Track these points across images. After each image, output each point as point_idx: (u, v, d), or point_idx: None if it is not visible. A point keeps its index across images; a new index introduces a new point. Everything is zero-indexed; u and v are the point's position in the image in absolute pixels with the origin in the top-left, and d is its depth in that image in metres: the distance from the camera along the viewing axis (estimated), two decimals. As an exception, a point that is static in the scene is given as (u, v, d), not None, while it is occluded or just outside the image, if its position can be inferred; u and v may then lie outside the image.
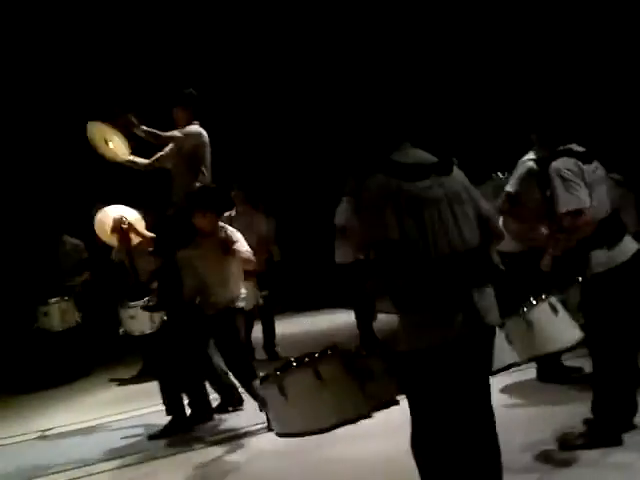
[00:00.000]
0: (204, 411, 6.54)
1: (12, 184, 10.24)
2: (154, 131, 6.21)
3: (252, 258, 6.30)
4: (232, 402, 6.68)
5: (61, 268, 7.60)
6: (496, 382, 6.23)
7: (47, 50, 10.98)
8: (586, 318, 5.05)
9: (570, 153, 4.85)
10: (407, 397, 3.75)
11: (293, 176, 10.90)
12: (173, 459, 5.86)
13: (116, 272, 6.82)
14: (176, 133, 6.30)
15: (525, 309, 5.28)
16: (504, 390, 6.34)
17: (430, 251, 3.41)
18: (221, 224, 6.28)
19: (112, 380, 8.14)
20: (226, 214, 8.28)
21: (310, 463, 5.37)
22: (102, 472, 5.76)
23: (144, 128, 6.16)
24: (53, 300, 7.84)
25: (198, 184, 6.32)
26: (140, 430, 6.62)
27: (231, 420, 6.56)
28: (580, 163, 4.78)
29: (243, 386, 6.39)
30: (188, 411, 6.51)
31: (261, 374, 6.04)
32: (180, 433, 6.33)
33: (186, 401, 6.50)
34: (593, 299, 4.90)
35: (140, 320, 7.55)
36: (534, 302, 5.37)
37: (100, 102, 6.54)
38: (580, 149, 4.90)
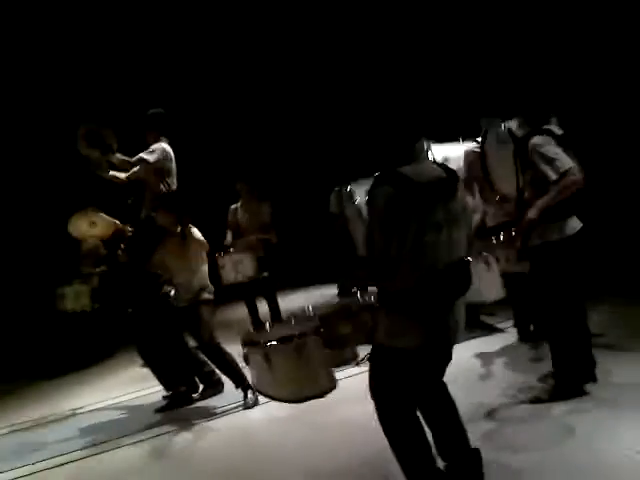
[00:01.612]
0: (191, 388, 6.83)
1: (41, 184, 10.38)
2: (126, 158, 6.89)
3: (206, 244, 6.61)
4: (214, 386, 6.87)
5: (82, 261, 7.79)
6: (476, 344, 6.53)
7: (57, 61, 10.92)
8: (538, 282, 5.19)
9: (549, 132, 4.97)
10: (374, 379, 3.87)
11: (290, 170, 10.91)
12: (183, 431, 6.07)
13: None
14: (143, 156, 6.85)
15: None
16: (483, 351, 6.55)
17: (424, 265, 3.57)
18: (191, 228, 6.55)
19: (133, 361, 8.32)
20: (232, 206, 8.55)
21: (308, 427, 5.53)
22: (124, 446, 5.96)
23: (118, 156, 6.83)
24: (68, 284, 8.00)
25: (163, 190, 6.82)
26: (152, 406, 6.85)
27: (218, 399, 6.71)
28: (557, 142, 4.91)
29: (219, 368, 6.64)
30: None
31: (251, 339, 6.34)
32: (180, 407, 6.64)
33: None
34: (544, 263, 5.03)
35: None
36: (469, 259, 5.61)
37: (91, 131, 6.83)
38: (558, 131, 5.02)
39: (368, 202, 3.71)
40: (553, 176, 4.75)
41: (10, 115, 10.65)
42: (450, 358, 3.95)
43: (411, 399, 3.85)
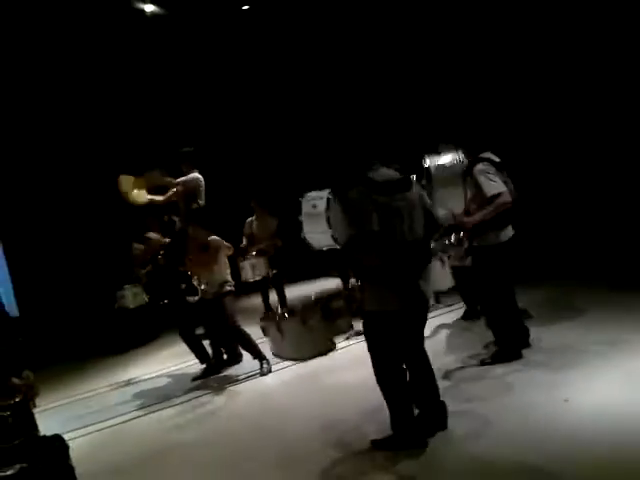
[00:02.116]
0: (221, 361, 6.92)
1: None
2: (170, 180, 7.11)
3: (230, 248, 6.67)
4: (236, 358, 6.96)
5: (133, 265, 7.88)
6: (435, 321, 6.61)
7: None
8: (478, 274, 5.29)
9: (489, 161, 5.07)
10: (367, 341, 4.04)
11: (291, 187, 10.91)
12: (214, 394, 6.14)
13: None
14: (180, 180, 7.08)
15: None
16: (441, 326, 6.60)
17: (395, 239, 3.75)
18: (213, 237, 6.58)
19: (173, 342, 8.36)
20: (248, 220, 8.66)
21: (313, 389, 5.63)
22: (169, 407, 6.03)
23: (167, 179, 7.09)
24: (127, 286, 8.05)
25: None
26: (191, 375, 6.89)
27: (239, 368, 6.75)
28: (495, 169, 5.02)
29: (240, 345, 6.72)
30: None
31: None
32: (211, 375, 6.72)
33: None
34: (483, 261, 5.15)
35: None
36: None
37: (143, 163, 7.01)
38: (496, 159, 5.13)
39: (343, 199, 3.96)
40: (488, 195, 4.89)
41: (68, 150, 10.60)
42: (425, 319, 4.09)
43: (398, 355, 3.97)
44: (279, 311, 7.24)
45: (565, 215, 8.29)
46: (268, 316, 7.36)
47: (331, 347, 6.07)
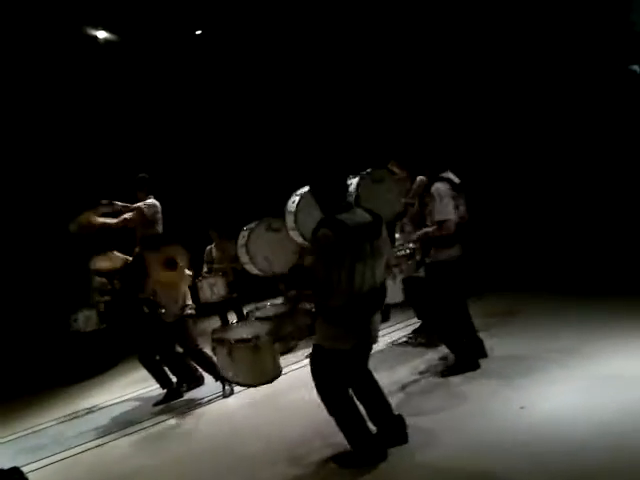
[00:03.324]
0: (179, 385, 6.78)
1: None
2: (127, 205, 7.00)
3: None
4: (197, 381, 6.87)
5: (88, 291, 7.75)
6: (390, 337, 6.61)
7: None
8: (430, 289, 5.42)
9: (449, 181, 5.19)
10: (316, 374, 4.02)
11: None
12: (178, 417, 6.08)
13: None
14: (141, 205, 6.99)
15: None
16: (395, 341, 6.67)
17: (354, 289, 3.77)
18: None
19: (133, 368, 8.20)
20: (208, 248, 8.69)
21: (277, 407, 5.62)
22: (131, 433, 5.93)
23: (120, 205, 6.95)
24: (80, 309, 7.92)
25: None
26: (152, 401, 6.77)
27: (201, 391, 6.68)
28: (453, 190, 5.15)
29: (201, 367, 6.66)
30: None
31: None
32: (174, 400, 6.61)
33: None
34: (435, 277, 5.28)
35: None
36: None
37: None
38: (456, 180, 5.25)
39: (313, 240, 3.88)
40: (435, 220, 5.07)
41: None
42: (370, 352, 4.14)
43: (344, 384, 4.01)
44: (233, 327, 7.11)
45: (515, 227, 8.49)
46: (219, 333, 7.25)
47: (277, 374, 5.98)
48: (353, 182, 5.33)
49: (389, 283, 6.27)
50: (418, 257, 5.49)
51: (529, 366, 4.92)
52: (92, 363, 9.06)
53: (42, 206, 10.31)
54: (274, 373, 6.12)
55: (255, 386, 5.70)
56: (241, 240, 5.98)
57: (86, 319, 7.68)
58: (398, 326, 7.22)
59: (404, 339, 6.73)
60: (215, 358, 6.12)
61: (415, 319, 6.93)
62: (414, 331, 6.75)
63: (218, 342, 6.34)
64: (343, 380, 4.01)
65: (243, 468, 4.47)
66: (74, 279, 8.58)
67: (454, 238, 5.15)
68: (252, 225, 5.96)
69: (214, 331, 6.61)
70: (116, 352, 9.10)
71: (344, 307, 3.78)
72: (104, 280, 7.20)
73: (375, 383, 4.17)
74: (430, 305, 5.66)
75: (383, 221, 4.01)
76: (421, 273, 5.59)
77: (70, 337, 8.57)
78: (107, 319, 7.21)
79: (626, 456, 3.33)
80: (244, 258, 5.90)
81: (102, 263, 7.00)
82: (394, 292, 6.25)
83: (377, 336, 4.07)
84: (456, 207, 5.15)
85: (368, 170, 5.47)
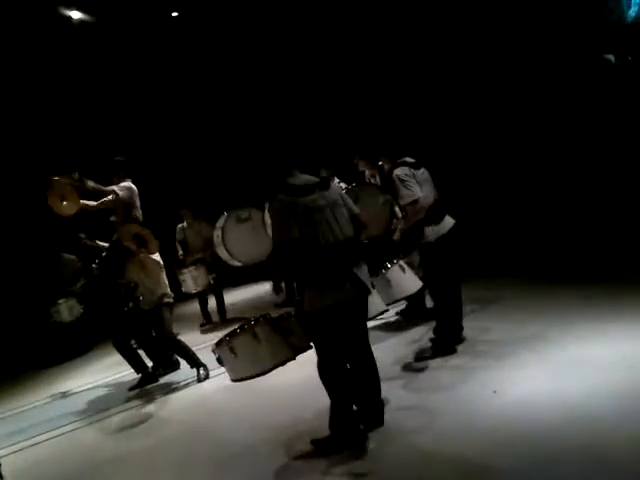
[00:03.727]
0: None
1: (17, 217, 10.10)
2: (99, 186, 6.65)
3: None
4: (173, 365, 6.88)
5: (63, 278, 7.64)
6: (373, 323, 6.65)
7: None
8: (424, 271, 5.48)
9: (405, 163, 5.21)
10: (312, 340, 4.12)
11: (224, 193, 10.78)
12: (153, 402, 6.08)
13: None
14: (115, 188, 6.71)
15: (384, 270, 5.72)
16: (377, 327, 6.60)
17: (320, 242, 3.80)
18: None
19: (108, 353, 8.15)
20: (179, 225, 8.60)
21: (253, 391, 5.50)
22: (106, 418, 5.95)
23: (92, 184, 6.56)
24: (61, 300, 7.83)
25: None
26: (127, 385, 6.78)
27: (177, 375, 6.71)
28: (412, 169, 5.17)
29: (176, 353, 6.65)
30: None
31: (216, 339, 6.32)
32: (149, 384, 6.62)
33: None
34: (428, 258, 5.29)
35: None
36: (389, 265, 5.79)
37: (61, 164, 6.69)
38: (411, 160, 5.27)
39: (270, 207, 4.03)
40: (402, 204, 5.09)
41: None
42: (364, 314, 4.15)
43: (342, 354, 4.02)
44: (221, 319, 7.03)
45: (491, 213, 8.56)
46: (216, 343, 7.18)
47: (289, 356, 5.86)
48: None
49: (401, 275, 6.27)
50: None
51: (503, 351, 4.96)
52: (67, 347, 9.02)
53: (13, 192, 10.16)
54: (284, 355, 6.04)
55: (267, 372, 5.68)
56: (216, 239, 5.98)
57: (69, 309, 7.64)
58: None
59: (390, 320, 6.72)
60: (225, 368, 6.08)
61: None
62: (399, 312, 6.78)
63: (217, 346, 6.27)
64: (341, 347, 3.99)
65: (217, 451, 4.48)
66: (45, 264, 8.52)
67: (437, 213, 5.11)
68: (222, 222, 5.96)
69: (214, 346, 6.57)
70: (91, 336, 9.06)
71: (314, 265, 3.80)
72: (73, 258, 7.10)
73: (372, 360, 4.16)
74: (426, 287, 5.67)
75: (330, 180, 4.12)
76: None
77: (45, 324, 8.55)
78: (85, 301, 7.15)
79: (593, 438, 3.39)
80: (224, 255, 5.90)
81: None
82: (409, 281, 6.18)
83: (367, 288, 4.02)
84: (425, 181, 5.17)
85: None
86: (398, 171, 5.11)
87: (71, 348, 9.06)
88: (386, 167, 5.54)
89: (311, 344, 4.21)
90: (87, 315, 7.36)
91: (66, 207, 6.39)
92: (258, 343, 5.94)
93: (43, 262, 8.73)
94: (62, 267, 7.53)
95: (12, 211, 10.01)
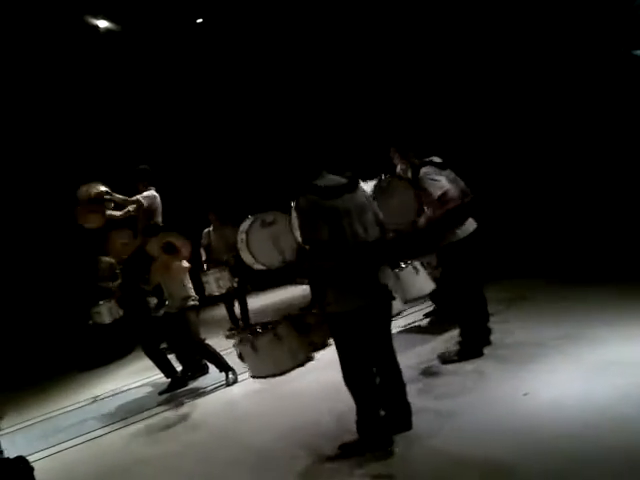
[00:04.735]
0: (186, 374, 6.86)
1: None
2: (126, 198, 6.92)
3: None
4: (202, 370, 6.95)
5: (101, 279, 7.76)
6: (398, 322, 6.64)
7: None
8: (444, 273, 5.44)
9: (431, 163, 5.22)
10: (335, 343, 4.06)
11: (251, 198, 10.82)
12: (182, 406, 6.12)
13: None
14: (139, 197, 6.95)
15: (397, 270, 5.71)
16: (402, 326, 6.63)
17: (345, 246, 3.79)
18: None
19: (140, 358, 8.21)
20: (205, 230, 8.66)
21: (280, 395, 5.60)
22: (138, 421, 6.01)
23: (119, 197, 6.85)
24: (102, 302, 7.94)
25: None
26: (158, 389, 6.85)
27: (206, 380, 6.75)
28: (438, 169, 5.18)
29: (204, 358, 6.72)
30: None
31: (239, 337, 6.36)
32: (179, 389, 6.66)
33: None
34: (448, 260, 5.25)
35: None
36: (403, 265, 5.78)
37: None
38: (438, 160, 5.27)
39: (296, 208, 3.98)
40: (435, 197, 5.03)
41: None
42: (389, 314, 4.11)
43: (366, 356, 3.98)
44: (244, 325, 7.08)
45: (519, 214, 8.45)
46: (237, 334, 7.24)
47: (308, 357, 5.90)
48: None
49: (414, 277, 6.23)
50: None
51: (533, 353, 4.88)
52: (109, 350, 9.21)
53: (43, 200, 10.38)
54: (303, 356, 6.08)
55: (286, 372, 5.70)
56: (240, 243, 6.00)
57: (109, 310, 7.74)
58: (410, 310, 7.14)
59: (417, 323, 6.69)
60: (246, 365, 6.10)
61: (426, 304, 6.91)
62: (426, 314, 6.75)
63: (239, 342, 6.33)
64: (364, 350, 3.96)
65: (246, 455, 4.47)
66: (81, 269, 8.63)
67: (462, 213, 5.10)
68: (246, 226, 5.97)
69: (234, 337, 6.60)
70: (131, 339, 9.14)
71: (339, 266, 3.79)
72: (111, 260, 7.20)
73: (396, 363, 4.12)
74: (446, 289, 5.63)
75: (358, 181, 4.08)
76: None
77: (81, 327, 8.67)
78: (123, 304, 7.24)
79: (627, 440, 3.33)
80: (248, 259, 5.92)
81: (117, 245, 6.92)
82: (422, 283, 6.16)
83: (390, 294, 3.99)
84: (452, 181, 5.16)
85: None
86: (424, 169, 5.16)
87: (112, 350, 9.23)
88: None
89: (330, 340, 4.20)
90: (125, 318, 7.44)
91: (94, 220, 6.67)
92: (280, 343, 6.07)
93: (81, 265, 8.89)
94: (99, 270, 7.64)
95: (51, 216, 10.18)
